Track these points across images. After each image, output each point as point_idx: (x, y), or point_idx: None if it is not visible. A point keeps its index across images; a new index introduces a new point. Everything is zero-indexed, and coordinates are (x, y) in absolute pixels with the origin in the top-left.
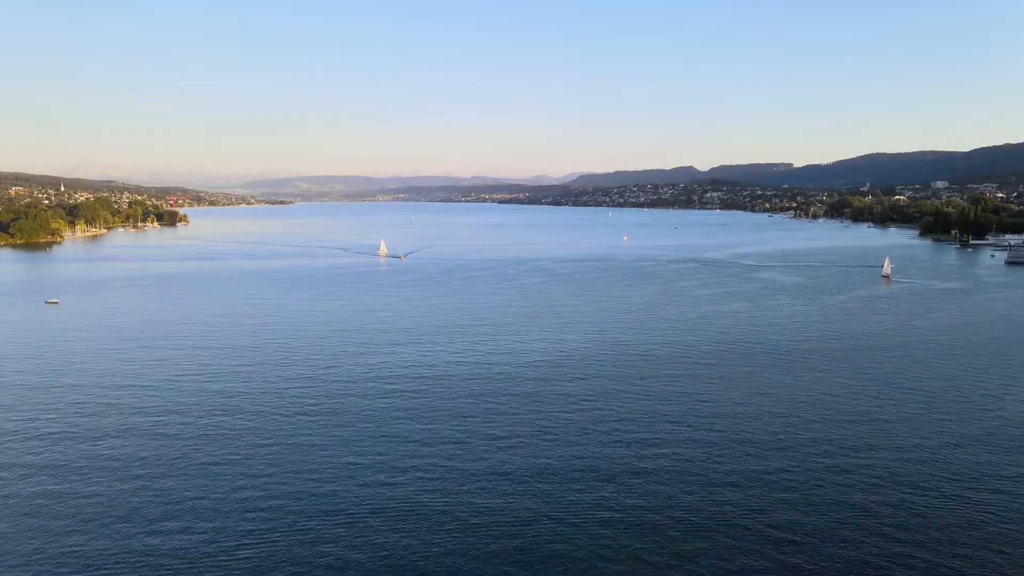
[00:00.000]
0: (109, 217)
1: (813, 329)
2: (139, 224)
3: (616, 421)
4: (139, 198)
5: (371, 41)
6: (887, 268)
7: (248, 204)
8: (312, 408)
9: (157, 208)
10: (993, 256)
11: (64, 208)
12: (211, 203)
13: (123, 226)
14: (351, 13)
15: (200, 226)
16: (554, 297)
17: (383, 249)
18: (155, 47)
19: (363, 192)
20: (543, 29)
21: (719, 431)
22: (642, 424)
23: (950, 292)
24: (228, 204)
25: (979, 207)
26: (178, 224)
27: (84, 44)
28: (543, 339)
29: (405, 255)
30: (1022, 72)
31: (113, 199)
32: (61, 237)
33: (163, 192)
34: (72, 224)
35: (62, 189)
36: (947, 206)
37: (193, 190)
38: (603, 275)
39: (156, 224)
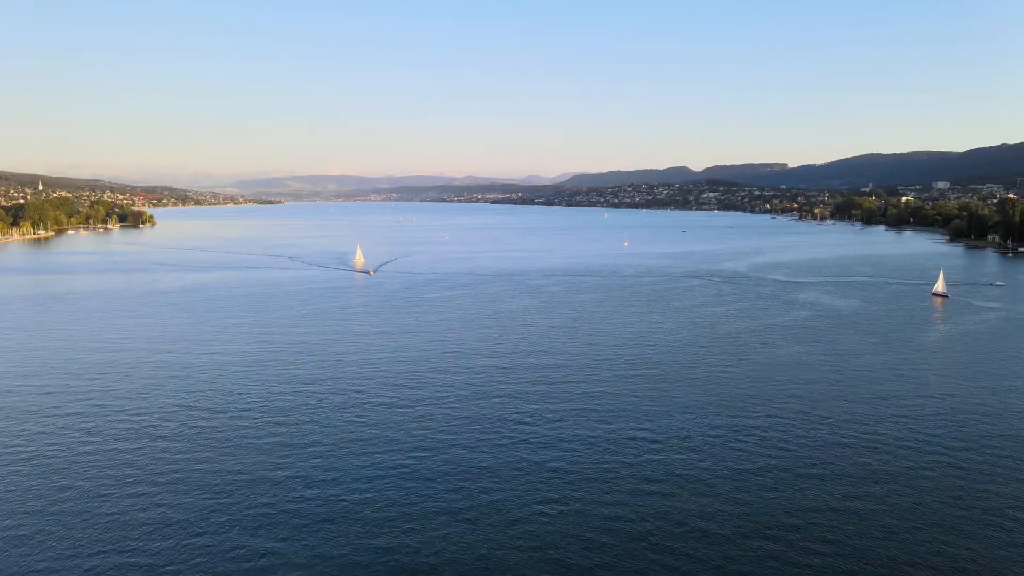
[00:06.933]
0: (62, 218)
1: (930, 399)
2: (98, 226)
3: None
4: (118, 197)
5: (366, 42)
6: (941, 285)
7: (237, 204)
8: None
9: (123, 208)
10: None
11: (6, 209)
12: (197, 202)
13: (77, 228)
14: (347, 14)
15: (165, 228)
16: (541, 334)
17: (359, 258)
18: (146, 47)
19: (355, 192)
20: (535, 30)
21: None
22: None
23: None
24: (215, 204)
25: (1021, 209)
26: (143, 225)
27: (76, 42)
28: (522, 412)
29: (375, 269)
30: (1017, 73)
31: (91, 198)
32: None
33: (149, 191)
34: (16, 226)
35: (40, 188)
36: (984, 207)
37: (181, 189)
38: (604, 296)
39: (117, 225)
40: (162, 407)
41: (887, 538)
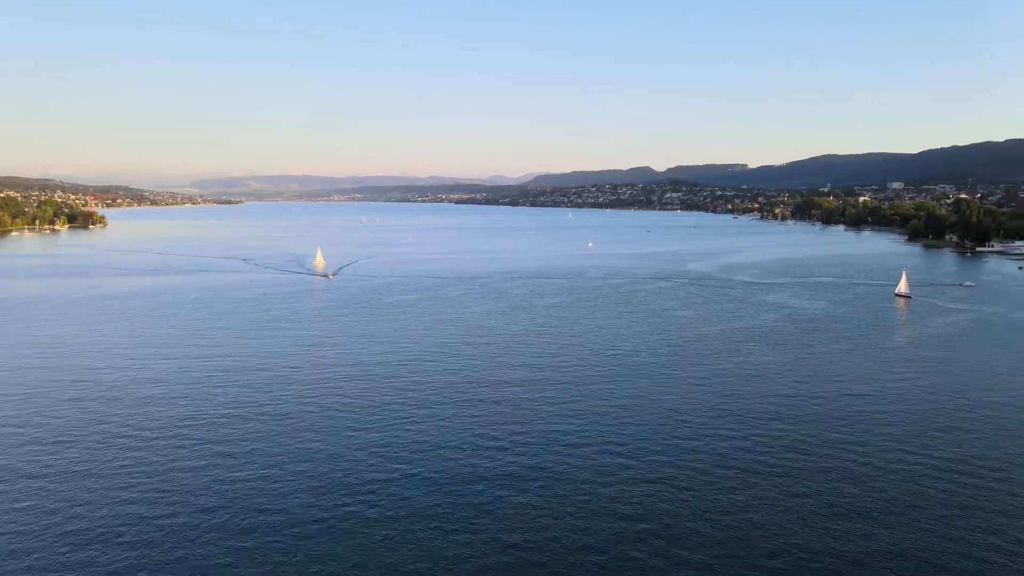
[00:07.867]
0: (6, 219)
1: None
2: (45, 227)
3: None
4: (69, 197)
5: (328, 41)
6: (904, 286)
7: (195, 204)
8: None
9: (73, 208)
10: (1022, 268)
11: None
12: (153, 203)
13: (21, 229)
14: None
15: (117, 229)
16: (504, 341)
17: (319, 261)
18: (105, 46)
19: (318, 192)
20: (499, 30)
21: None
22: None
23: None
24: (173, 204)
25: (980, 210)
26: (93, 226)
27: (35, 41)
28: (481, 430)
29: (335, 272)
30: (966, 77)
31: (40, 197)
32: None
33: (103, 191)
34: None
35: None
36: (940, 208)
37: (138, 189)
38: (570, 300)
39: (66, 226)
40: (90, 429)
41: (857, 558)
